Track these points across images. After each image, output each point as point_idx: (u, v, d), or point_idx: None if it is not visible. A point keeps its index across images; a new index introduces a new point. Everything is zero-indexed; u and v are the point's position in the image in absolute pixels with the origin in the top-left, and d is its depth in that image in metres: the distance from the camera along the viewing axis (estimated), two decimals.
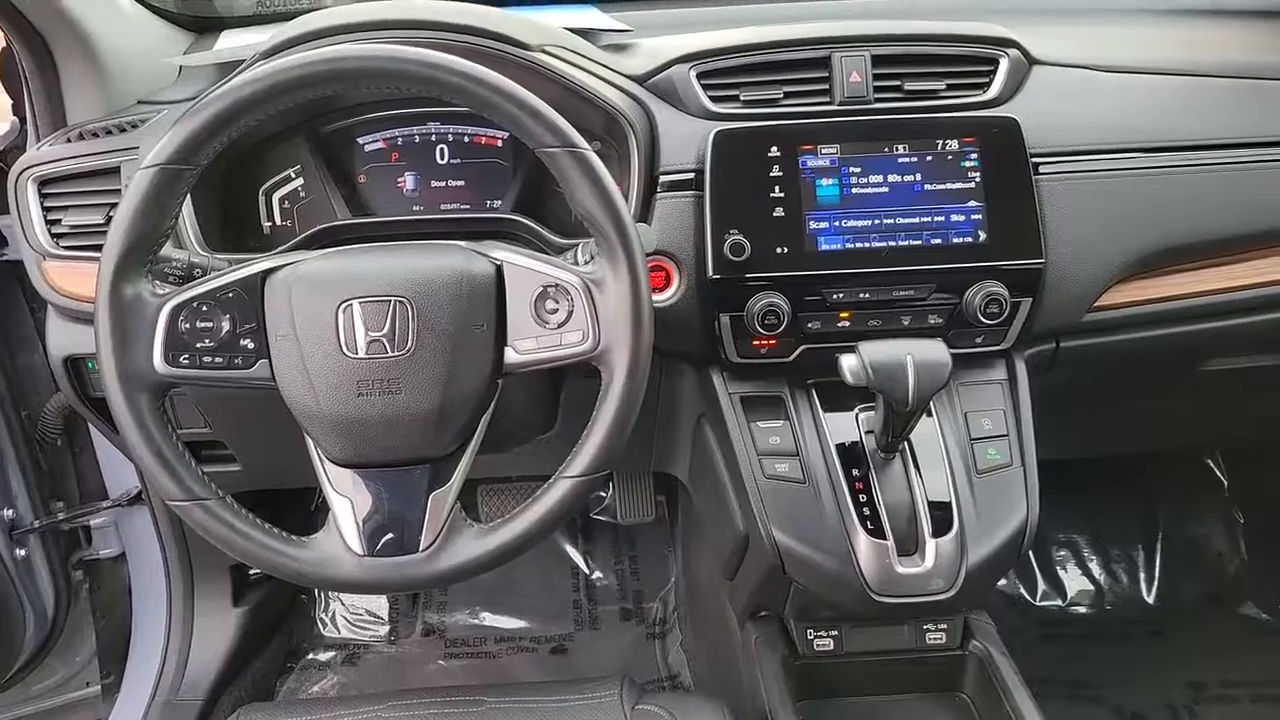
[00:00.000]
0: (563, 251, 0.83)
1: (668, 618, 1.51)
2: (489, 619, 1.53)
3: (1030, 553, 1.55)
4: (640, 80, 0.94)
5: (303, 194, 0.99)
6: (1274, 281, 0.97)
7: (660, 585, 1.55)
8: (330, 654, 1.49)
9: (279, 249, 0.87)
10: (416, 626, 1.52)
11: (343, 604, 1.53)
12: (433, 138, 1.01)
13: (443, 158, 1.01)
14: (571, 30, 1.01)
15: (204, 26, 1.17)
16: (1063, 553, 1.53)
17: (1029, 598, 1.51)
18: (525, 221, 0.92)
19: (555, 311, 0.70)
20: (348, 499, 0.71)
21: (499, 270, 0.71)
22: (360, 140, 1.00)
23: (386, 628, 1.52)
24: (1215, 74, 1.01)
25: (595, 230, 0.71)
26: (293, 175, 0.99)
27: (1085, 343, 0.96)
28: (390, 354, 0.68)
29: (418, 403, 0.68)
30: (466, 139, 1.01)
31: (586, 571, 1.59)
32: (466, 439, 0.72)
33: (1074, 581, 1.51)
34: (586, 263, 0.74)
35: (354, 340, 0.68)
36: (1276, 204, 0.95)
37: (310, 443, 0.72)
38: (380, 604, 1.53)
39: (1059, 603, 1.50)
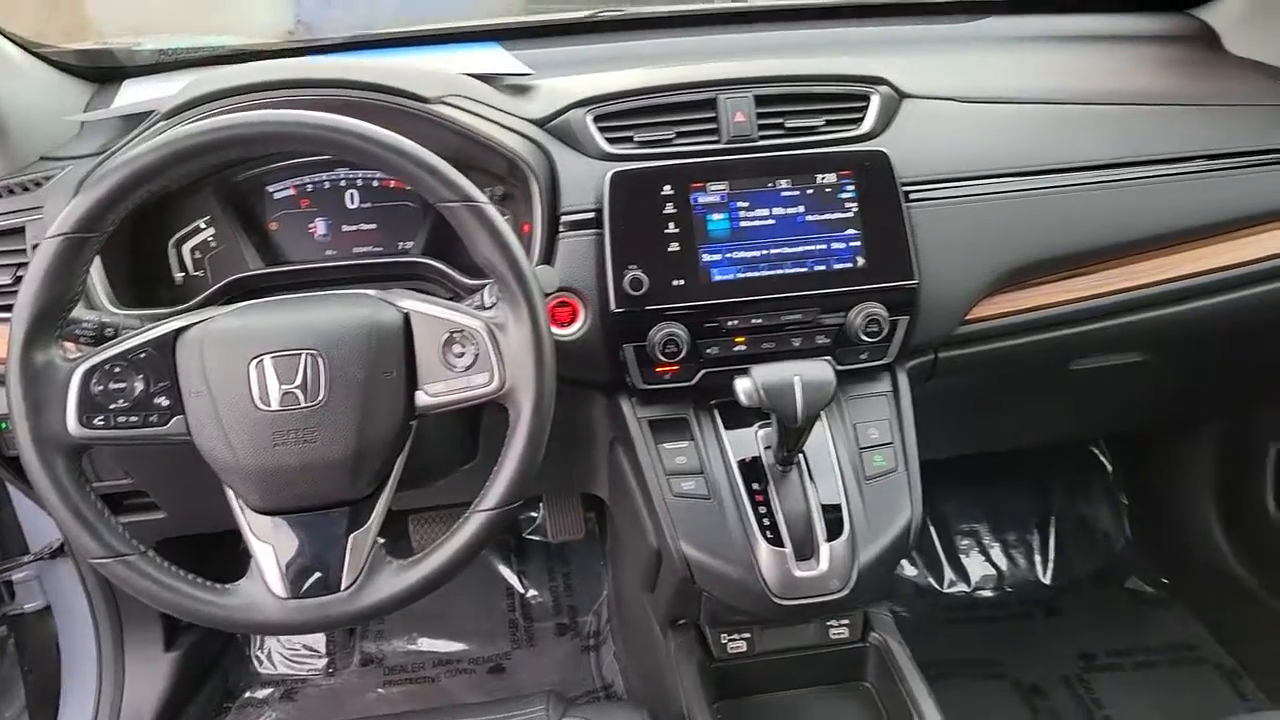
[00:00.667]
0: (472, 292, 0.88)
1: (601, 630, 1.56)
2: (426, 644, 1.56)
3: (937, 544, 1.65)
4: (540, 124, 0.99)
5: (213, 244, 1.01)
6: (1127, 288, 1.06)
7: (593, 599, 1.61)
8: (268, 691, 1.50)
9: (190, 303, 0.89)
10: (354, 657, 1.54)
11: (278, 640, 1.54)
12: (342, 183, 1.04)
13: (353, 202, 1.05)
14: (473, 76, 1.06)
15: (105, 77, 1.18)
16: (966, 542, 1.63)
17: (937, 586, 1.60)
18: (435, 264, 0.96)
19: (462, 355, 0.75)
20: (269, 544, 0.74)
21: (407, 318, 0.76)
22: (270, 188, 1.03)
23: (324, 660, 1.54)
24: (1071, 101, 1.10)
25: (496, 278, 0.76)
26: (202, 226, 1.01)
27: (961, 352, 1.04)
28: (303, 405, 0.72)
29: (332, 450, 0.72)
30: (376, 183, 1.04)
31: (521, 590, 1.63)
32: (383, 480, 0.76)
33: (977, 568, 1.61)
34: (491, 306, 0.79)
35: (267, 393, 0.72)
36: (1126, 220, 1.04)
37: (230, 491, 0.76)
38: (317, 637, 1.54)
39: (965, 589, 1.60)
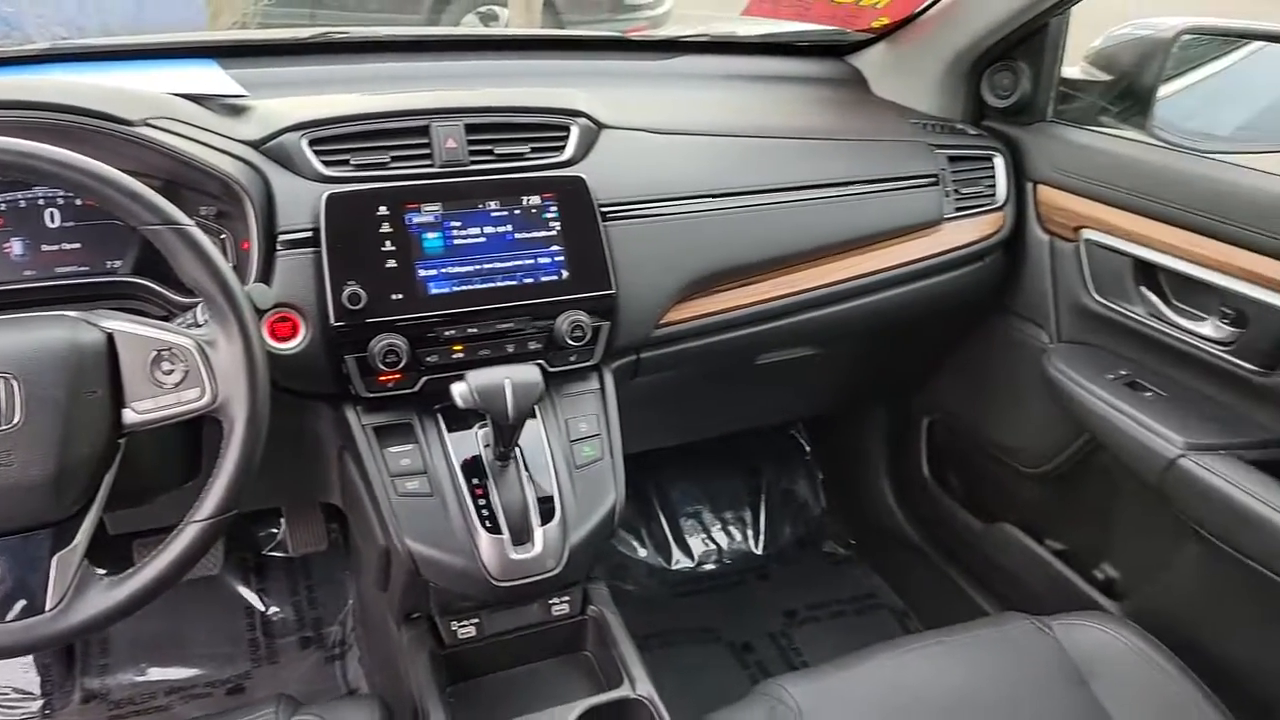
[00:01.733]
0: (185, 310, 0.89)
1: (347, 638, 1.58)
2: (157, 673, 1.50)
3: (666, 528, 1.82)
4: (254, 146, 1.02)
5: None
6: (795, 293, 1.24)
7: (339, 609, 1.62)
8: None
9: None
10: (74, 695, 1.46)
11: None
12: (40, 201, 1.00)
13: (54, 220, 1.01)
14: (183, 96, 1.06)
15: None
16: (690, 523, 1.81)
17: (666, 565, 1.77)
18: (145, 284, 0.96)
19: (171, 372, 0.77)
20: None
21: (110, 338, 0.77)
22: None
23: (39, 702, 1.44)
24: (746, 134, 1.28)
25: (204, 296, 0.79)
26: None
27: (661, 352, 1.18)
28: None
29: (31, 472, 0.72)
30: (78, 201, 1.01)
31: (262, 608, 1.61)
32: (89, 499, 0.77)
33: (700, 545, 1.80)
34: (204, 323, 0.82)
35: None
36: (791, 235, 1.22)
37: None
38: (29, 678, 1.44)
39: (690, 564, 1.78)
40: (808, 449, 1.91)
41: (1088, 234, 1.27)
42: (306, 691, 1.48)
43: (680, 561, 1.78)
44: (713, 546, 1.80)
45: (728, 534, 1.82)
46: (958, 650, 1.06)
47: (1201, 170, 1.17)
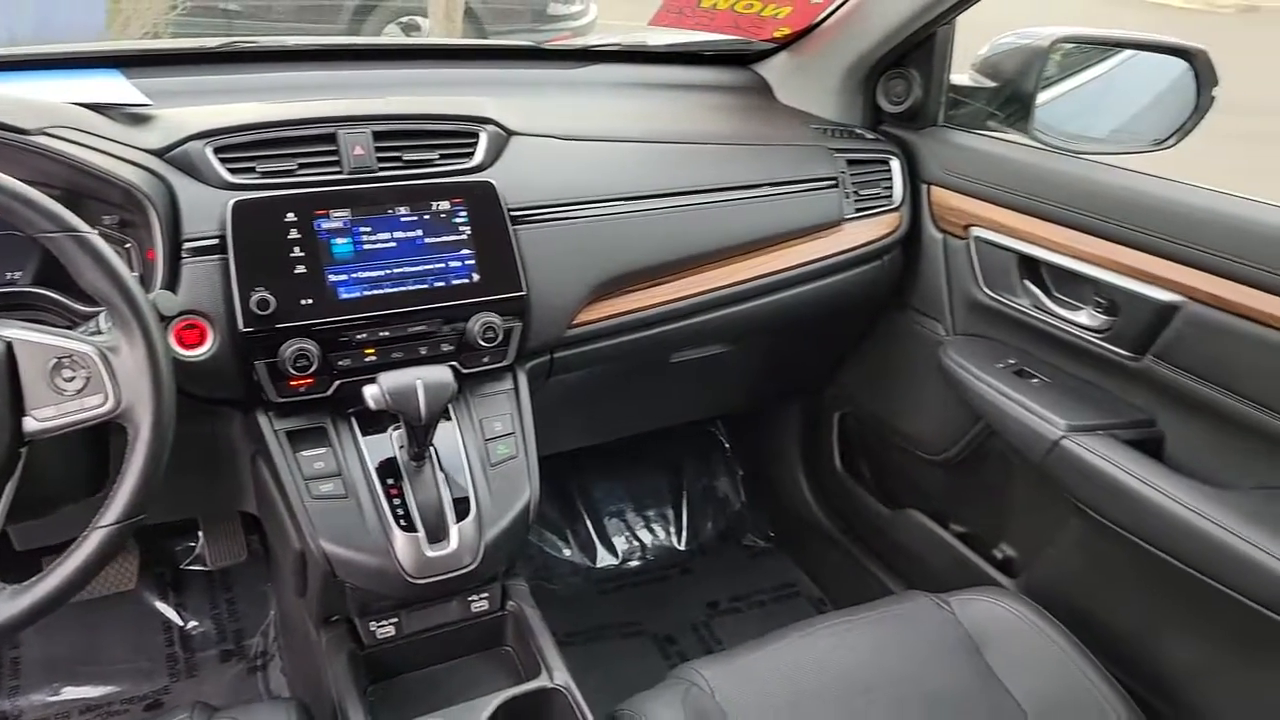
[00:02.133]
0: (89, 319, 0.89)
1: (269, 649, 1.57)
2: (71, 692, 1.47)
3: (590, 527, 1.85)
4: (158, 154, 1.02)
5: None
6: (702, 292, 1.28)
7: (261, 620, 1.61)
8: None
9: None
10: None
11: None
12: None
13: None
14: (85, 106, 1.06)
15: None
16: (614, 521, 1.85)
17: (590, 564, 1.80)
18: (46, 294, 0.96)
19: (73, 380, 0.77)
20: None
21: (9, 347, 0.77)
22: None
23: None
24: (656, 140, 1.32)
25: (106, 304, 0.79)
26: None
27: (574, 352, 1.21)
28: None
29: None
30: None
31: (180, 623, 1.59)
32: None
33: (623, 543, 1.83)
34: (106, 331, 0.82)
35: None
36: (697, 236, 1.26)
37: None
38: None
39: (614, 562, 1.81)
40: (727, 446, 1.96)
41: (977, 231, 1.34)
42: (227, 704, 1.47)
43: (605, 560, 1.81)
44: (636, 544, 1.84)
45: (651, 531, 1.86)
46: (862, 628, 1.11)
47: (1077, 170, 1.25)
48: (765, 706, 1.01)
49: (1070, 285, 1.25)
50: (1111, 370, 1.21)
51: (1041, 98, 1.37)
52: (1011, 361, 1.32)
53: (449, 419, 1.08)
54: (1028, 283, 1.29)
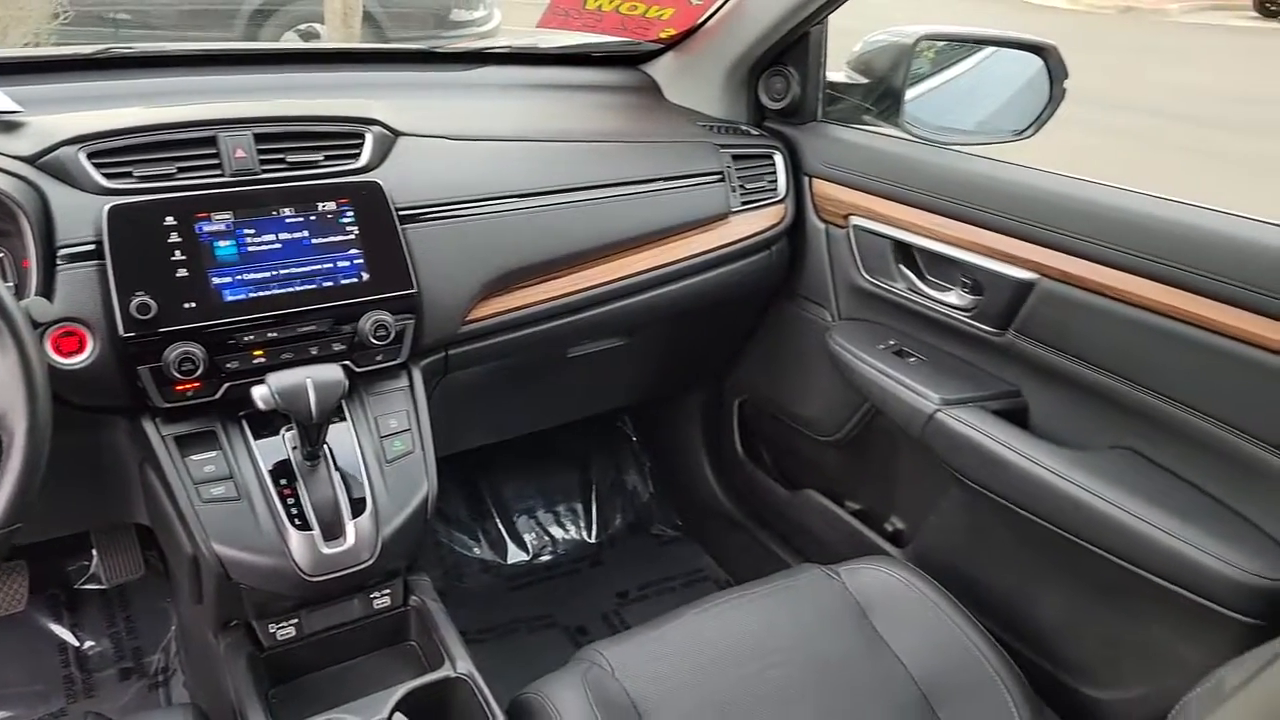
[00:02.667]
0: None
1: (170, 664, 1.54)
2: None
3: (500, 525, 1.86)
4: (29, 161, 1.00)
5: None
6: (596, 285, 1.31)
7: (161, 636, 1.57)
8: None
9: None
10: None
11: None
12: None
13: None
14: None
15: None
16: (524, 518, 1.87)
17: (501, 561, 1.81)
18: None
19: None
20: None
21: None
22: None
23: None
24: (545, 139, 1.35)
25: None
26: None
27: (470, 348, 1.23)
28: None
29: None
30: None
31: (76, 644, 1.54)
32: None
33: (534, 539, 1.85)
34: None
35: None
36: (587, 231, 1.29)
37: None
38: None
39: (525, 557, 1.83)
40: (634, 439, 1.99)
41: (855, 220, 1.41)
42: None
43: (515, 556, 1.83)
44: (547, 539, 1.86)
45: (561, 526, 1.88)
46: (756, 601, 1.16)
47: (944, 160, 1.33)
48: (663, 679, 1.04)
49: (940, 268, 1.32)
50: (980, 346, 1.29)
51: (911, 93, 1.44)
52: (891, 343, 1.39)
53: (342, 418, 1.09)
54: (903, 267, 1.37)
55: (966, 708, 1.05)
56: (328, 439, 1.04)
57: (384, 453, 1.10)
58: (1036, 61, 1.43)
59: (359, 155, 1.14)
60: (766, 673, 1.06)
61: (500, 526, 1.84)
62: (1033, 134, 1.43)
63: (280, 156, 1.09)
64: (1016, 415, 1.24)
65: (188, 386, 1.01)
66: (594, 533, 1.90)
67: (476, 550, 1.80)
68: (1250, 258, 0.96)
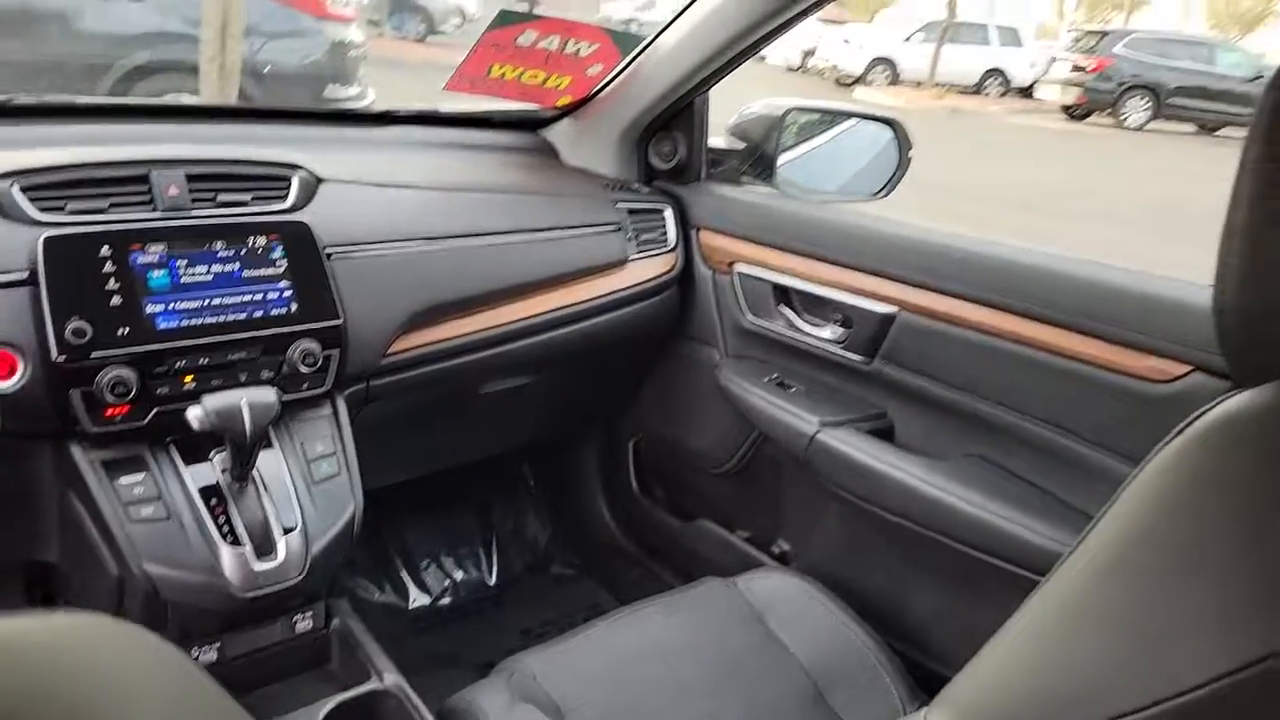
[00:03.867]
0: None
1: None
2: None
3: (403, 570, 1.88)
4: None
5: None
6: (505, 324, 1.41)
7: None
8: None
9: None
10: None
11: None
12: None
13: None
14: None
15: None
16: (426, 562, 1.89)
17: (404, 605, 1.83)
18: None
19: None
20: None
21: None
22: None
23: None
24: (455, 189, 1.46)
25: None
26: None
27: (390, 380, 1.30)
28: None
29: None
30: None
31: None
32: None
33: (437, 583, 1.88)
34: None
35: None
36: (495, 272, 1.40)
37: None
38: None
39: (427, 601, 1.86)
40: (533, 482, 2.07)
41: (739, 267, 1.57)
42: None
43: (418, 599, 1.85)
44: (449, 582, 1.89)
45: (463, 569, 1.91)
46: (664, 610, 1.25)
47: (816, 214, 1.51)
48: (582, 681, 1.12)
49: (815, 307, 1.49)
50: (852, 374, 1.45)
51: (783, 158, 1.64)
52: (774, 376, 1.54)
53: (271, 445, 1.13)
54: (782, 307, 1.53)
55: (852, 694, 1.17)
56: (256, 464, 1.08)
57: (311, 475, 1.15)
58: (888, 133, 1.66)
59: (285, 197, 1.22)
60: (675, 671, 1.15)
61: (403, 570, 1.86)
62: (887, 194, 1.64)
63: (211, 196, 1.15)
64: (885, 433, 1.41)
65: (117, 411, 1.03)
66: (495, 575, 1.94)
67: (378, 595, 1.81)
68: (1060, 286, 1.17)
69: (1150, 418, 1.08)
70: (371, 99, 6.96)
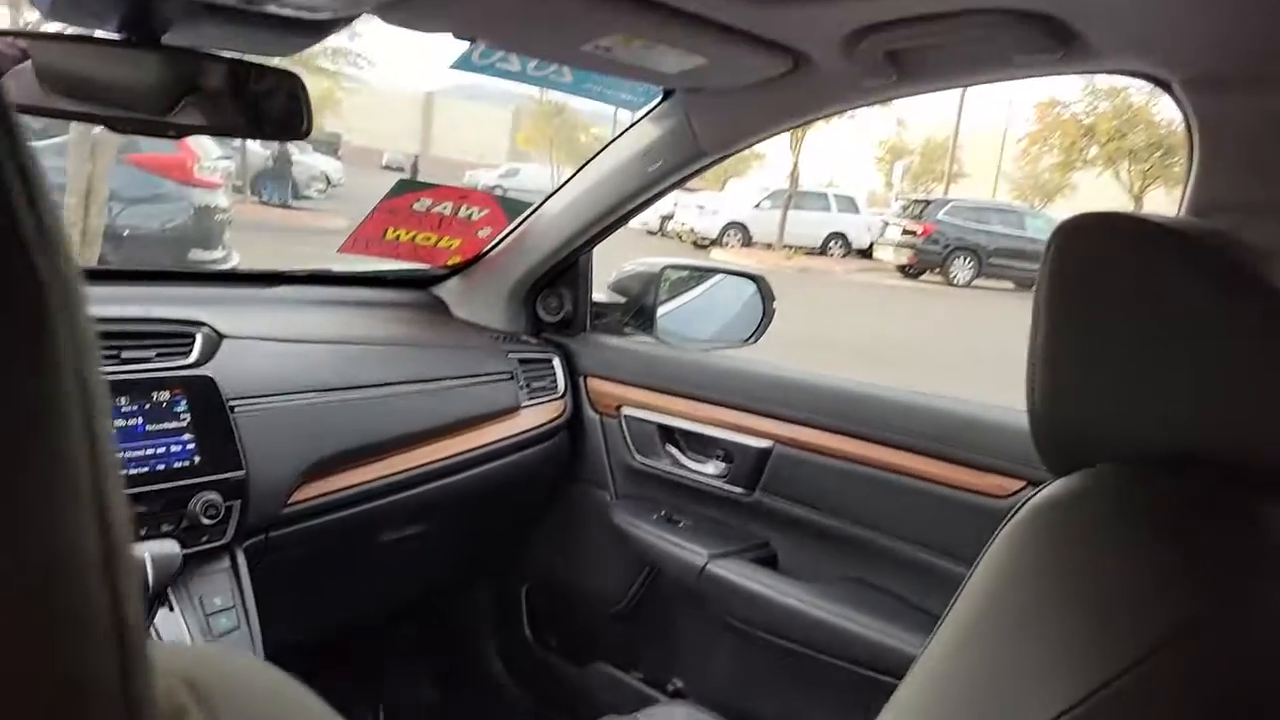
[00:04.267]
0: None
1: None
2: None
3: None
4: None
5: None
6: (399, 471, 1.45)
7: None
8: None
9: None
10: None
11: None
12: None
13: None
14: None
15: None
16: None
17: None
18: None
19: None
20: None
21: None
22: None
23: None
24: (351, 343, 1.52)
25: None
26: None
27: (290, 530, 1.30)
28: None
29: None
30: None
31: None
32: None
33: None
34: None
35: None
36: (388, 422, 1.45)
37: None
38: None
39: None
40: (423, 646, 2.02)
41: (626, 410, 1.68)
42: None
43: None
44: None
45: None
46: None
47: (694, 359, 1.65)
48: None
49: (698, 445, 1.61)
50: (733, 506, 1.56)
51: (661, 310, 1.79)
52: (663, 512, 1.63)
53: (166, 603, 1.12)
54: (668, 447, 1.63)
55: None
56: (154, 620, 1.07)
57: (210, 629, 1.13)
58: (751, 286, 1.85)
59: (189, 353, 1.25)
60: None
61: None
62: (755, 341, 1.81)
63: (115, 353, 1.18)
64: (768, 561, 1.50)
65: None
66: None
67: None
68: (915, 416, 1.33)
69: (994, 529, 1.22)
70: (236, 261, 6.93)
